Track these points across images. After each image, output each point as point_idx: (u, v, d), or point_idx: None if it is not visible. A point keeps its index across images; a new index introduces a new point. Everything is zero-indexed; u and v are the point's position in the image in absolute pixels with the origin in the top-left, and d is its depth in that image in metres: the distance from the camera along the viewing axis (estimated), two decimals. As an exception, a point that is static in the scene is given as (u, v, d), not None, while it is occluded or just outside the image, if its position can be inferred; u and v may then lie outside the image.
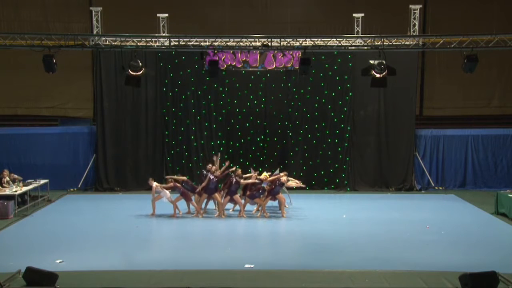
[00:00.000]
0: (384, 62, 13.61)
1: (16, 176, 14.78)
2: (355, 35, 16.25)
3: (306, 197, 16.15)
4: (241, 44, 15.18)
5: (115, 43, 15.24)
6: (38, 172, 16.75)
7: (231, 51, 16.81)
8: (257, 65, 17.60)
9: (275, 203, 14.21)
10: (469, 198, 16.33)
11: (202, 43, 15.49)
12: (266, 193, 13.61)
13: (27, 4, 19.03)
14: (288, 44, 14.52)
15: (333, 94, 17.72)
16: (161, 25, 16.48)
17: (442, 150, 18.34)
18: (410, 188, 17.85)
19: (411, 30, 16.48)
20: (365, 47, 15.72)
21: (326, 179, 17.94)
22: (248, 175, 14.11)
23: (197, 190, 13.69)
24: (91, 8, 16.91)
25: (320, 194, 17.25)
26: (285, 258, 10.36)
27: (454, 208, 15.23)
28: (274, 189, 13.56)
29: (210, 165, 14.00)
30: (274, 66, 17.61)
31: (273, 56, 17.42)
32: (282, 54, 16.58)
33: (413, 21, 16.51)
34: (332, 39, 15.36)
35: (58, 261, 9.74)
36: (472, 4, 18.96)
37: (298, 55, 16.38)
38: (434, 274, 9.05)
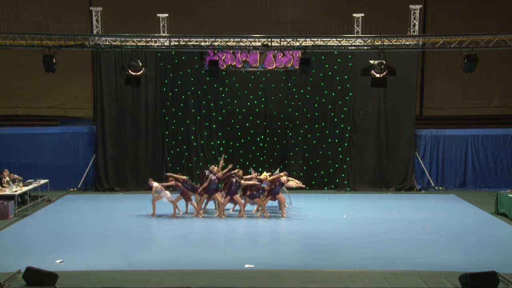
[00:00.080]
0: (384, 62, 13.61)
1: (16, 176, 14.79)
2: (355, 35, 16.25)
3: (306, 197, 16.15)
4: (241, 44, 15.17)
5: (115, 43, 15.24)
6: (38, 172, 16.76)
7: (231, 51, 16.81)
8: (257, 65, 17.60)
9: (275, 203, 14.21)
10: (469, 198, 16.33)
11: (202, 43, 15.49)
12: (266, 193, 13.61)
13: (27, 4, 19.03)
14: (288, 44, 14.52)
15: (333, 94, 17.72)
16: (161, 25, 16.48)
17: (442, 150, 18.34)
18: (410, 188, 17.85)
19: (411, 30, 16.48)
20: (365, 47, 15.72)
21: (326, 179, 17.94)
22: (248, 176, 14.11)
23: (199, 190, 13.70)
24: (91, 8, 16.91)
25: (320, 194, 17.25)
26: (285, 258, 10.36)
27: (454, 208, 15.23)
28: (274, 189, 13.56)
29: (213, 166, 14.04)
30: (274, 66, 17.61)
31: (273, 56, 17.42)
32: (282, 54, 16.58)
33: (413, 21, 16.51)
34: (332, 39, 15.36)
35: (58, 261, 9.74)
36: (472, 4, 18.96)
37: (298, 55, 16.38)
38: (434, 274, 9.05)
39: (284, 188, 14.04)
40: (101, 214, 14.48)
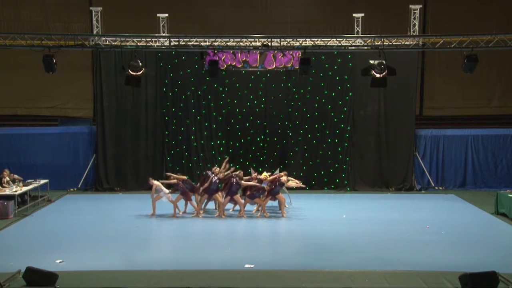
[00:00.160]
0: (384, 62, 13.61)
1: (16, 176, 14.79)
2: (355, 35, 16.25)
3: (306, 197, 16.15)
4: (241, 44, 15.17)
5: (115, 43, 15.25)
6: (38, 172, 16.76)
7: (231, 51, 16.81)
8: (257, 65, 17.60)
9: (275, 203, 14.21)
10: (469, 198, 16.33)
11: (202, 43, 15.49)
12: (266, 193, 13.61)
13: (27, 4, 19.03)
14: (288, 44, 14.52)
15: (333, 94, 17.72)
16: (161, 25, 16.48)
17: (442, 150, 18.34)
18: (410, 188, 17.85)
19: (411, 30, 16.49)
20: (365, 47, 15.72)
21: (326, 179, 17.94)
22: (249, 177, 14.11)
23: (200, 191, 13.70)
24: (91, 8, 16.92)
25: (320, 194, 17.25)
26: (285, 258, 10.36)
27: (454, 208, 15.23)
28: (274, 189, 13.56)
29: (215, 167, 14.05)
30: (274, 66, 17.61)
31: (273, 56, 17.42)
32: (282, 54, 16.58)
33: (413, 21, 16.52)
34: (332, 39, 15.36)
35: (58, 261, 9.74)
36: (472, 4, 18.96)
37: (298, 55, 16.37)
38: (434, 274, 9.05)
39: (284, 188, 14.05)
40: (101, 214, 14.48)
